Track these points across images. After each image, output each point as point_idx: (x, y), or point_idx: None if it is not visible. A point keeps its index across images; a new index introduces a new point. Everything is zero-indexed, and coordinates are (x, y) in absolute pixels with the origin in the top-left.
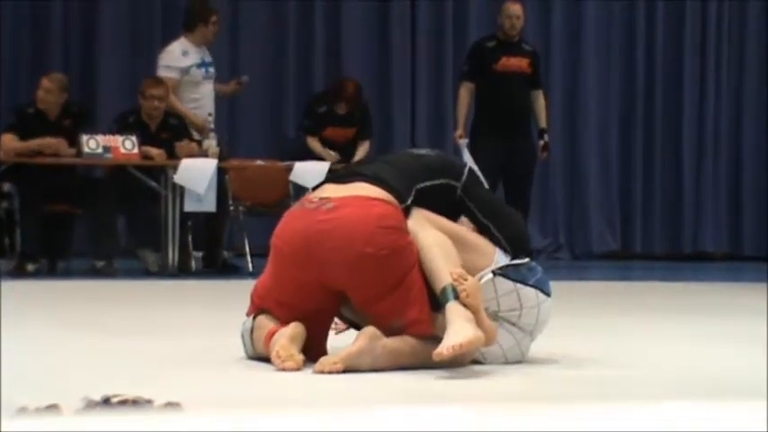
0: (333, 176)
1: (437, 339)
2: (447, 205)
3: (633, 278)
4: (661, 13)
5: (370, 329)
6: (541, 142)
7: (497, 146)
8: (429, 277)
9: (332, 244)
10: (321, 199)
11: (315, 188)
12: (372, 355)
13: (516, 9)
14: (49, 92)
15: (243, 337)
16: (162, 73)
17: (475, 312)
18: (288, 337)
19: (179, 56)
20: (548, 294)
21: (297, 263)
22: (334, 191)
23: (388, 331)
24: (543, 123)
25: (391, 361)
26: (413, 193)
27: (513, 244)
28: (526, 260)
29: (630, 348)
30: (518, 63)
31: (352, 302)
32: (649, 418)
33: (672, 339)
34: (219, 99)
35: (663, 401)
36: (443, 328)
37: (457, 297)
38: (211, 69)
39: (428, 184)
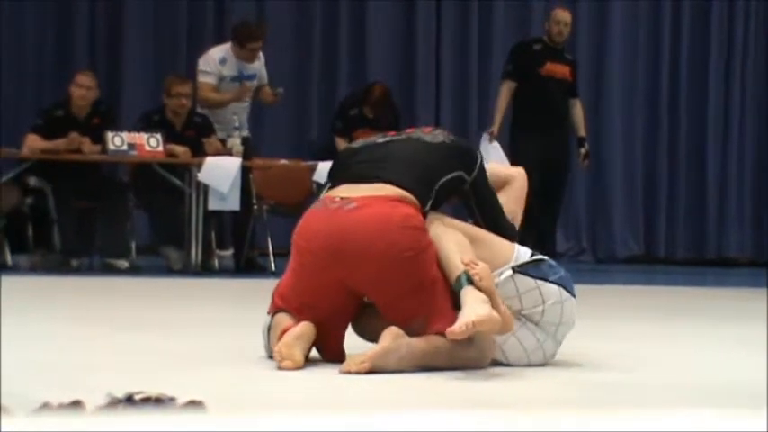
0: (351, 176)
1: (454, 341)
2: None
3: (656, 283)
4: (687, 18)
5: (393, 329)
6: (582, 150)
7: (536, 145)
8: (445, 272)
9: (355, 245)
10: (342, 199)
11: (332, 187)
12: (398, 354)
13: (566, 16)
14: (90, 88)
15: (263, 334)
16: (200, 78)
17: (489, 296)
18: (294, 335)
19: (216, 62)
20: (572, 294)
21: (319, 263)
22: (354, 191)
23: (410, 333)
24: (582, 132)
25: (416, 361)
26: (433, 194)
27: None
28: (540, 257)
29: (651, 353)
30: (561, 70)
31: (374, 303)
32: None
33: (694, 345)
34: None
35: (679, 408)
36: None
37: (471, 282)
38: (248, 83)
39: (444, 180)
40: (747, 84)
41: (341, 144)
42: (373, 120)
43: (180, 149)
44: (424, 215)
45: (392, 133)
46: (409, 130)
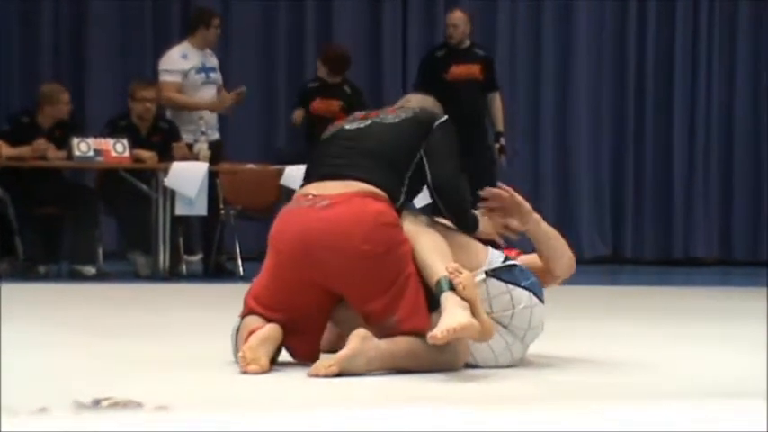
0: (323, 173)
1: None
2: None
3: (623, 283)
4: (652, 18)
5: (361, 331)
6: (497, 145)
7: None
8: (423, 272)
9: (329, 242)
10: (315, 196)
11: (304, 184)
12: (366, 356)
13: (454, 18)
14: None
15: (231, 338)
16: (163, 77)
17: (471, 304)
18: (260, 338)
19: (178, 59)
20: (541, 299)
21: (293, 262)
22: (326, 188)
23: (383, 330)
24: (500, 127)
25: (385, 362)
26: (405, 186)
27: (456, 219)
28: (513, 262)
29: (620, 352)
30: (468, 70)
31: (348, 301)
32: (642, 419)
33: (661, 342)
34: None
35: (654, 402)
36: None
37: (452, 288)
38: (213, 75)
39: (413, 166)
40: (713, 84)
41: (298, 116)
42: (334, 87)
43: (147, 155)
44: (399, 211)
45: (360, 116)
46: (373, 114)
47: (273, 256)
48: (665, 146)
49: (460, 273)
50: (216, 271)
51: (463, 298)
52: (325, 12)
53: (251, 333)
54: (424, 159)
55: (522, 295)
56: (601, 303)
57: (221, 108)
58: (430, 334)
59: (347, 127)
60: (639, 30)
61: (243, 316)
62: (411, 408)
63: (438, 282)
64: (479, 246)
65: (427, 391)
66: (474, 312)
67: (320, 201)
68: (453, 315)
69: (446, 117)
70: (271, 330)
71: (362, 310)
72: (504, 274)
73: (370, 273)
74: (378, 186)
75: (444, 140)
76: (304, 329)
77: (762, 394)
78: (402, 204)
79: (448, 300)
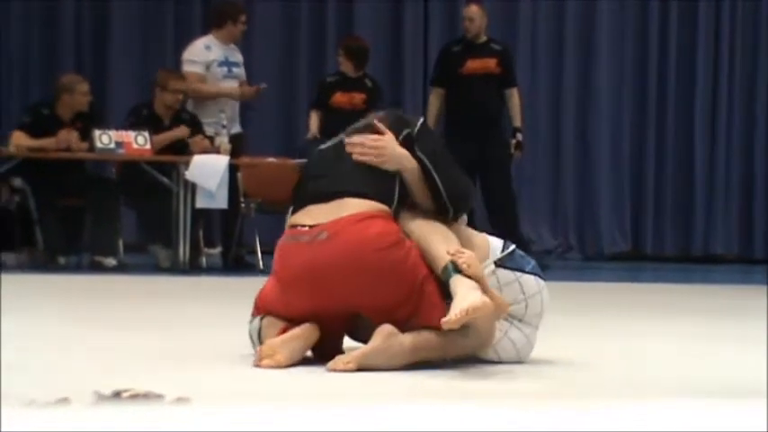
0: (312, 196)
1: (452, 330)
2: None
3: (643, 280)
4: (674, 15)
5: (386, 327)
6: (513, 141)
7: (469, 147)
8: (431, 264)
9: (337, 276)
10: (311, 228)
11: (299, 208)
12: (388, 353)
13: (470, 11)
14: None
15: (251, 337)
16: (186, 68)
17: (480, 282)
18: (290, 336)
19: (201, 50)
20: (544, 279)
21: (303, 296)
22: (321, 215)
23: (404, 330)
24: (517, 122)
25: (409, 357)
26: (396, 190)
27: (452, 195)
28: (513, 247)
29: (639, 349)
30: (483, 65)
31: (368, 317)
32: (651, 417)
33: (681, 341)
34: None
35: (673, 400)
36: None
37: (458, 271)
38: (236, 69)
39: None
40: (735, 81)
41: (313, 121)
42: (354, 81)
43: (171, 134)
44: (396, 213)
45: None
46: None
47: (281, 285)
48: (685, 143)
49: (462, 253)
50: (235, 264)
51: (470, 277)
52: (346, 7)
53: (284, 329)
54: (429, 166)
55: (530, 282)
56: (620, 300)
57: (245, 98)
58: (443, 320)
59: (324, 147)
60: (662, 28)
61: (256, 316)
62: (414, 405)
63: (444, 268)
64: (480, 236)
65: (434, 387)
66: (483, 290)
67: (317, 234)
68: (464, 297)
69: (422, 119)
70: (304, 330)
71: (384, 322)
72: (508, 261)
73: (385, 293)
74: (369, 196)
75: (434, 143)
76: (323, 332)
77: None
78: (397, 206)
79: (456, 283)
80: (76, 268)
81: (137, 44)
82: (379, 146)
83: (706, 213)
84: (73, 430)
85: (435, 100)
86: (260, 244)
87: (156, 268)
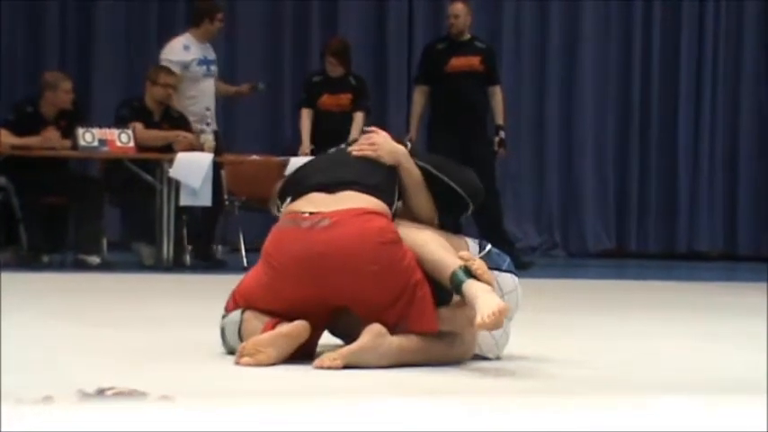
0: (314, 185)
1: (440, 336)
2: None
3: (628, 277)
4: (658, 10)
5: (376, 327)
6: (496, 138)
7: (452, 143)
8: (433, 270)
9: (334, 265)
10: (313, 214)
11: (299, 195)
12: (376, 352)
13: (455, 8)
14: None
15: (224, 331)
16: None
17: (492, 287)
18: (280, 334)
19: (180, 50)
20: (517, 275)
21: (297, 283)
22: (324, 203)
23: (393, 332)
24: (500, 120)
25: (395, 358)
26: (396, 189)
27: (467, 188)
28: (489, 246)
29: (622, 346)
30: (468, 62)
31: (357, 314)
32: (643, 414)
33: (666, 338)
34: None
35: (656, 397)
36: (449, 322)
37: (470, 276)
38: (213, 67)
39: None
40: (719, 81)
41: (304, 119)
42: (339, 80)
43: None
44: (395, 213)
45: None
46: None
47: (271, 271)
48: (669, 140)
49: (474, 260)
50: (203, 259)
51: (482, 281)
52: (331, 4)
53: (272, 324)
54: (434, 171)
55: (507, 279)
56: (605, 297)
57: (241, 95)
58: (477, 321)
59: (334, 149)
60: (645, 28)
61: (232, 310)
62: (409, 400)
63: (453, 273)
64: (461, 238)
65: (426, 384)
66: None
67: (319, 221)
68: (487, 301)
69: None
70: (295, 328)
71: (373, 322)
72: (488, 261)
73: (378, 289)
74: (372, 190)
75: (429, 153)
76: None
77: (762, 390)
78: (396, 205)
79: (473, 287)
80: (60, 266)
81: (121, 42)
82: (375, 140)
83: (690, 210)
84: (57, 429)
85: (419, 97)
86: (244, 242)
87: (139, 266)
